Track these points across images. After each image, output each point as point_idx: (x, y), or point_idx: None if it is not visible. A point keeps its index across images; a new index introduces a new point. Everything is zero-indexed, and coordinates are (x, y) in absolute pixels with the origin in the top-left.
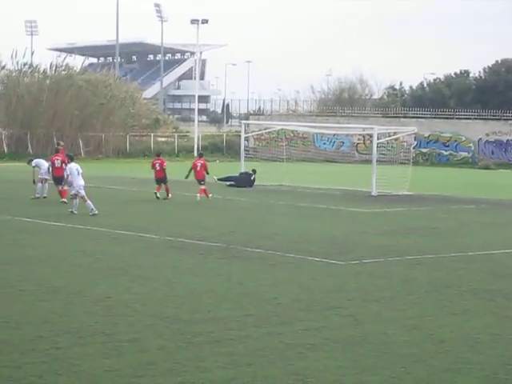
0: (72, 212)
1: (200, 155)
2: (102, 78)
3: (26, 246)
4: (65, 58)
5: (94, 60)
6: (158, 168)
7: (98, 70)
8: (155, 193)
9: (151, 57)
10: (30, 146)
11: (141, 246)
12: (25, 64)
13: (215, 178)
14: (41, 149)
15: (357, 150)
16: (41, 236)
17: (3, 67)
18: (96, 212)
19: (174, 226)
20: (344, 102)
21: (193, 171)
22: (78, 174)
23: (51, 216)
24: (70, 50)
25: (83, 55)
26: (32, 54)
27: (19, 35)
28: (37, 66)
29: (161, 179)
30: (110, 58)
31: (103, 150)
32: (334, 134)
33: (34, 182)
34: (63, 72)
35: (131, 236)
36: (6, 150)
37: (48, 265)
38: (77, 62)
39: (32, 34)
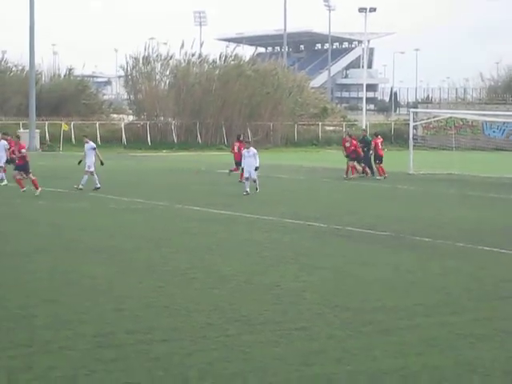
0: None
1: (238, 137)
2: (270, 68)
3: (196, 234)
4: (234, 49)
5: (262, 50)
6: (236, 151)
7: (266, 60)
8: (229, 171)
9: (319, 46)
10: (199, 135)
11: (309, 235)
12: (193, 54)
13: None
14: (210, 138)
15: None
16: (210, 224)
17: (171, 57)
18: None
19: (341, 215)
20: None
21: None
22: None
23: (218, 205)
24: (239, 40)
25: (251, 45)
26: (201, 44)
27: (188, 26)
28: (206, 56)
29: (238, 162)
30: (278, 48)
31: (271, 139)
32: (504, 122)
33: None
34: (232, 62)
35: (299, 225)
36: (175, 140)
37: (218, 253)
38: (245, 51)
39: (201, 25)
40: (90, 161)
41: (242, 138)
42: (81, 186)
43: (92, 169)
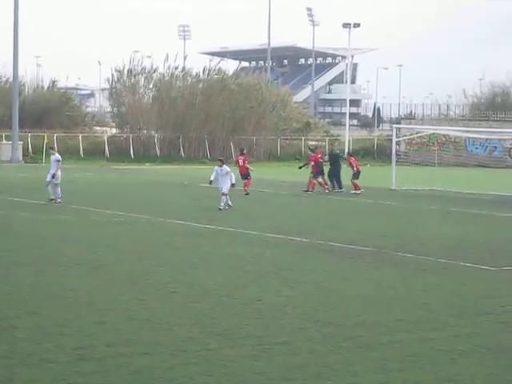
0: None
1: (241, 151)
2: (254, 82)
3: (179, 248)
4: (218, 63)
5: (246, 64)
6: (241, 164)
7: (249, 74)
8: (244, 189)
9: (302, 61)
10: (181, 149)
11: (291, 250)
12: (176, 68)
13: None
14: (193, 152)
15: (509, 155)
16: (193, 238)
17: (155, 70)
18: None
19: (323, 230)
20: (497, 106)
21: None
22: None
23: (201, 218)
24: (223, 54)
25: (235, 59)
26: (185, 58)
27: (172, 39)
28: (189, 69)
29: (244, 175)
30: (262, 62)
31: (254, 154)
32: (487, 139)
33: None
34: (216, 76)
35: (281, 239)
36: (158, 153)
37: (200, 267)
38: (229, 65)
39: (185, 39)
40: (54, 172)
41: (244, 152)
42: (59, 200)
43: (58, 180)
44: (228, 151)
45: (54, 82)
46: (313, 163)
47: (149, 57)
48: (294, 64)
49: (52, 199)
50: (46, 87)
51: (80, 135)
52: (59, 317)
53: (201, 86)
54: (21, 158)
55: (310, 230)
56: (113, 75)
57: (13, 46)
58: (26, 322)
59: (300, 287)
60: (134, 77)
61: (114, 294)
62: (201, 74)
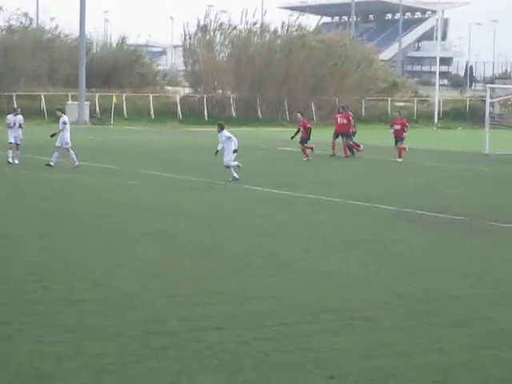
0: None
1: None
2: (337, 38)
3: (254, 217)
4: (297, 18)
5: (328, 19)
6: (340, 122)
7: (332, 30)
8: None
9: (389, 16)
10: (259, 110)
11: (376, 219)
12: (254, 24)
13: None
14: (271, 114)
15: None
16: (269, 206)
17: (234, 27)
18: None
19: (410, 197)
20: None
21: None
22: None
23: (279, 184)
24: (303, 9)
25: (316, 14)
26: (264, 13)
27: None
28: (267, 25)
29: (343, 132)
30: (346, 17)
31: None
32: None
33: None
34: (295, 32)
35: (366, 207)
36: (234, 115)
37: (277, 237)
38: (310, 21)
39: None
40: (66, 136)
41: (342, 110)
42: (51, 163)
43: (68, 145)
44: (309, 112)
45: (123, 38)
46: (302, 129)
47: (224, 12)
48: (379, 19)
49: (76, 165)
50: (114, 44)
51: (151, 95)
52: (128, 289)
53: (279, 42)
54: (88, 120)
55: (395, 197)
56: (186, 31)
57: (80, 1)
58: (93, 293)
59: (383, 259)
60: (210, 33)
61: (185, 265)
62: (279, 30)
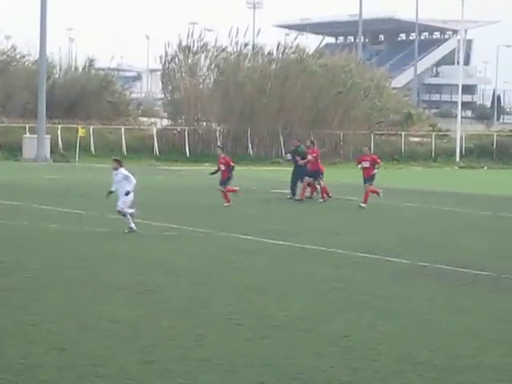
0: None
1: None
2: (341, 63)
3: (244, 270)
4: (296, 38)
5: (332, 40)
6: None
7: (336, 53)
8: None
9: (403, 36)
10: (250, 146)
11: (387, 273)
12: (246, 45)
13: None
14: (264, 150)
15: None
16: (262, 257)
17: (223, 49)
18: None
19: (429, 248)
20: None
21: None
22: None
23: (273, 233)
24: (302, 28)
25: (318, 34)
26: (258, 32)
27: (239, 9)
28: (261, 47)
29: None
30: (352, 38)
31: (341, 152)
32: None
33: None
34: (293, 54)
35: (376, 260)
36: None
37: (271, 293)
38: (310, 41)
39: (255, 7)
40: None
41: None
42: None
43: None
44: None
45: (91, 61)
46: (223, 167)
47: (210, 30)
48: (391, 40)
49: None
50: (80, 68)
51: (123, 128)
52: (94, 354)
53: (274, 67)
54: (48, 156)
55: (411, 249)
56: (166, 53)
57: (40, 17)
58: (52, 359)
59: (398, 320)
60: (193, 55)
61: (164, 326)
62: (274, 52)
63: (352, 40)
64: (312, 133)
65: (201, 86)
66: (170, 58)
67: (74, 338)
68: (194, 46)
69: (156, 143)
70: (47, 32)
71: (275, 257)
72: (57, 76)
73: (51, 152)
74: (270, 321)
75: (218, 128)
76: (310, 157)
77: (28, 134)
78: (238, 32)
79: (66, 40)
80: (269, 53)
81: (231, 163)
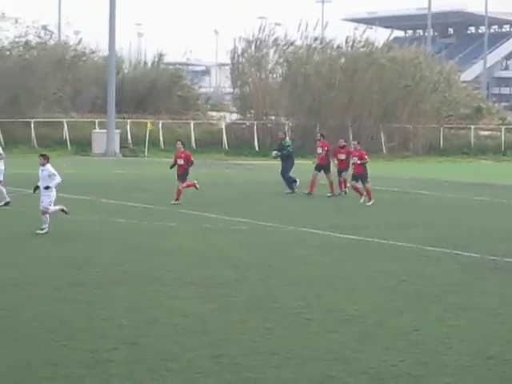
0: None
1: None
2: (410, 56)
3: (314, 264)
4: (364, 31)
5: (401, 33)
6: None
7: (404, 46)
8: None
9: (472, 29)
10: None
11: (457, 267)
12: (316, 39)
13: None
14: (332, 143)
15: None
16: (331, 251)
17: (292, 43)
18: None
19: (499, 241)
20: None
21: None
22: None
23: (343, 227)
24: (371, 21)
25: (387, 27)
26: (325, 26)
27: (307, 3)
28: (329, 40)
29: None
30: (421, 31)
31: (410, 146)
32: None
33: None
34: (361, 48)
35: (445, 254)
36: None
37: (340, 287)
38: (379, 35)
39: (323, 2)
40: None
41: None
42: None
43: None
44: (377, 143)
45: (160, 56)
46: (182, 161)
47: (279, 25)
48: (461, 33)
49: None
50: (149, 63)
51: (192, 122)
52: (164, 348)
53: (343, 60)
54: (118, 151)
55: (482, 243)
56: (235, 47)
57: (109, 12)
58: (123, 354)
59: (468, 315)
60: (262, 50)
61: (233, 320)
62: (343, 46)
63: (421, 33)
64: (381, 126)
65: (269, 80)
66: (239, 52)
67: (144, 332)
68: (263, 41)
69: (225, 137)
70: (116, 27)
71: (343, 251)
72: (126, 71)
73: (120, 147)
74: (339, 315)
75: (287, 122)
76: (319, 150)
77: (97, 129)
78: (307, 26)
79: (135, 35)
80: (338, 46)
81: (191, 159)
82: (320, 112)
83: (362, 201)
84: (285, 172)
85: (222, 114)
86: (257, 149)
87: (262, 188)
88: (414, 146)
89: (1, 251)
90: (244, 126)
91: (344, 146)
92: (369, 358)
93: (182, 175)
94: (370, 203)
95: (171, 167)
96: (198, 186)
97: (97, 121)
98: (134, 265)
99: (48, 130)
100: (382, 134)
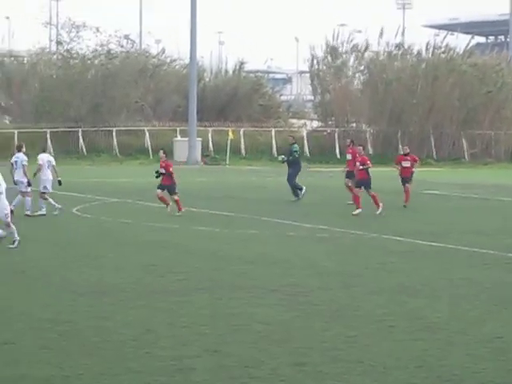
0: None
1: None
2: (492, 62)
3: (396, 271)
4: (444, 37)
5: (482, 39)
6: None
7: (486, 52)
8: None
9: None
10: (400, 146)
11: None
12: (397, 45)
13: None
14: (414, 151)
15: None
16: (414, 259)
17: (366, 48)
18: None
19: None
20: None
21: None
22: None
23: (426, 234)
24: (452, 27)
25: (467, 33)
26: (403, 32)
27: (388, 10)
28: (409, 46)
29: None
30: (502, 37)
31: (492, 152)
32: None
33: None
34: (442, 54)
35: None
36: (371, 151)
37: (423, 295)
38: (459, 41)
39: (404, 8)
40: (19, 176)
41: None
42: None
43: (24, 189)
44: (459, 150)
45: (241, 64)
46: (163, 170)
47: (359, 31)
48: None
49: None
50: (230, 71)
51: (273, 130)
52: (247, 356)
53: (424, 66)
54: (199, 159)
55: None
56: (314, 55)
57: (190, 21)
58: (205, 361)
59: None
60: (342, 56)
61: (316, 328)
62: (423, 52)
63: (502, 39)
64: (463, 133)
65: (350, 87)
66: (318, 59)
67: (226, 339)
68: (343, 47)
69: (306, 145)
70: (197, 35)
71: (426, 258)
72: (207, 79)
73: (202, 155)
74: (423, 322)
75: (368, 129)
76: (348, 156)
77: (179, 137)
78: (382, 32)
79: (216, 43)
80: (418, 52)
81: (170, 169)
82: (401, 119)
83: (378, 212)
84: (290, 178)
85: (303, 121)
86: (338, 156)
87: (344, 195)
88: (496, 153)
89: (81, 260)
90: (325, 133)
91: (408, 153)
92: (452, 365)
93: (171, 187)
94: (378, 212)
95: (156, 177)
96: (169, 208)
97: (178, 129)
98: (216, 273)
99: (130, 139)
100: (463, 141)
